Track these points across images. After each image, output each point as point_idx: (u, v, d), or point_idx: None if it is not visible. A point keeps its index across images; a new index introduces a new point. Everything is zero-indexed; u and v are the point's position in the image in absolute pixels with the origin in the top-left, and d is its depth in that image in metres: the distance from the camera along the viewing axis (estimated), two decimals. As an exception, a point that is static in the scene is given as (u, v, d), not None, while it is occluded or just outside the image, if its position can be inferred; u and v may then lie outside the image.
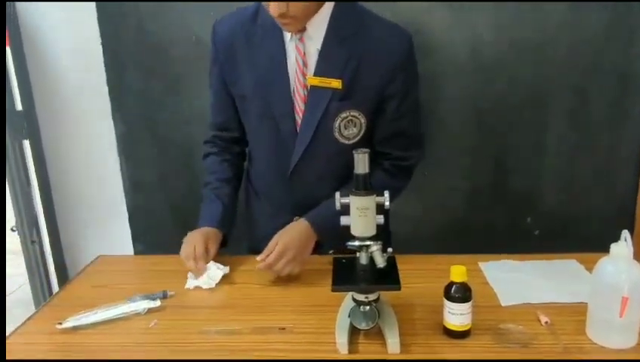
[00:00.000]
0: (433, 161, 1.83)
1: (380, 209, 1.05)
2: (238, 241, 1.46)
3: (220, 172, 1.43)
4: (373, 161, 1.34)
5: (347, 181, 1.34)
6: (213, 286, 1.29)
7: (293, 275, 1.29)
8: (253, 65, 1.31)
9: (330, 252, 1.35)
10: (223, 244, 1.39)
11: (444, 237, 1.90)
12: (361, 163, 1.04)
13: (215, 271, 1.30)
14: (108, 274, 1.41)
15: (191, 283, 1.29)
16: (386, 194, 1.06)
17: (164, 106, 1.85)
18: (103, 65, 1.83)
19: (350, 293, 1.10)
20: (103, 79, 1.85)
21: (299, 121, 1.30)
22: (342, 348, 1.05)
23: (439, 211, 1.90)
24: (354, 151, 1.06)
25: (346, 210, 1.07)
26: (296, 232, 1.29)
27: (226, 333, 1.10)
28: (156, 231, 1.98)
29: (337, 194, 1.06)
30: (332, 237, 1.26)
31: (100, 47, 1.81)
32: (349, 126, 1.29)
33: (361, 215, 1.04)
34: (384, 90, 1.29)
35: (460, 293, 1.07)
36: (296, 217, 1.37)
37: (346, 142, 1.32)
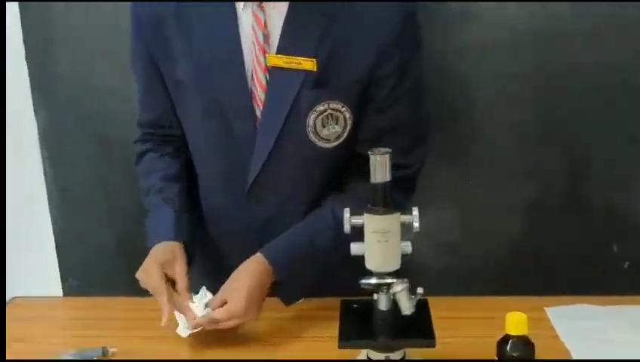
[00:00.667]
0: (479, 164, 1.83)
1: (405, 231, 1.06)
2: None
3: (162, 168, 1.45)
4: (356, 170, 1.33)
5: (325, 197, 1.35)
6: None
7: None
8: (191, 41, 1.31)
9: (300, 301, 1.37)
10: (189, 262, 1.38)
11: (495, 272, 1.89)
12: (380, 168, 1.05)
13: (199, 309, 1.30)
14: (25, 324, 1.41)
15: (183, 329, 1.30)
16: (415, 211, 1.07)
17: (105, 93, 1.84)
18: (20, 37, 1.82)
19: (364, 351, 1.10)
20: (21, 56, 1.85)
21: (259, 117, 1.31)
22: None
23: (487, 235, 1.90)
24: (369, 153, 1.06)
25: (357, 234, 1.07)
26: (253, 281, 1.29)
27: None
28: (94, 261, 1.97)
29: (347, 214, 1.07)
30: (301, 280, 1.31)
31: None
32: (329, 123, 1.30)
33: (380, 240, 1.05)
34: (373, 72, 1.29)
35: (519, 352, 1.07)
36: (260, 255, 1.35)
37: (326, 145, 1.33)
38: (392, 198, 1.11)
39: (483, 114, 1.78)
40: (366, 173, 1.36)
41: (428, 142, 1.42)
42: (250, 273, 1.29)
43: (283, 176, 1.35)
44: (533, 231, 1.89)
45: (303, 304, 1.40)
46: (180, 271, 1.31)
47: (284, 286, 1.31)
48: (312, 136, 1.31)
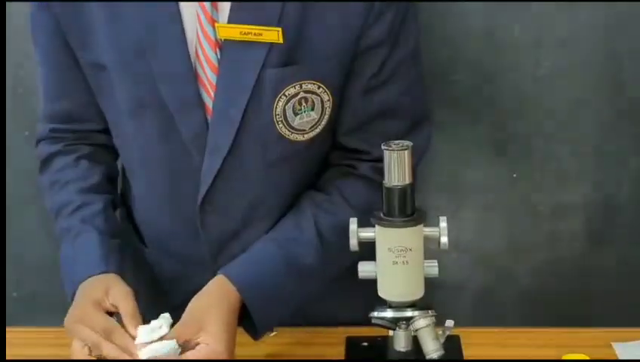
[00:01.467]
0: (520, 153, 1.82)
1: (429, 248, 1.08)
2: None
3: (80, 178, 1.41)
4: (337, 166, 1.36)
5: (305, 208, 1.34)
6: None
7: None
8: (115, 14, 1.28)
9: (273, 333, 1.37)
10: None
11: (547, 296, 1.89)
12: (398, 167, 1.04)
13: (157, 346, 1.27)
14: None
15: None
16: (444, 222, 1.07)
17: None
18: None
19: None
20: None
21: (211, 108, 1.29)
22: None
23: (537, 247, 1.89)
24: (383, 146, 1.04)
25: (365, 251, 1.08)
26: (221, 313, 1.26)
27: None
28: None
29: (353, 225, 1.06)
30: (274, 306, 1.29)
31: None
32: (302, 108, 1.28)
33: (397, 261, 1.04)
34: (359, 39, 1.28)
35: None
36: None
37: (299, 137, 1.31)
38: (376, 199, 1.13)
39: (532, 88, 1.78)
40: (352, 174, 1.36)
41: (429, 127, 1.41)
42: (218, 299, 1.26)
43: (244, 186, 1.34)
44: (599, 243, 1.89)
45: (276, 336, 1.39)
46: (121, 296, 1.26)
47: (254, 314, 1.28)
48: (280, 128, 1.29)
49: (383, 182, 1.04)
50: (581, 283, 1.89)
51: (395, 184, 1.04)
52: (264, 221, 1.37)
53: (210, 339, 1.21)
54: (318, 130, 1.31)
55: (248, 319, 1.29)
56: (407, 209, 1.05)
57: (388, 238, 1.04)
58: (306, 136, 1.30)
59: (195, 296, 1.27)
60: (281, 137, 1.29)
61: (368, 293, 1.13)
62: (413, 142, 1.24)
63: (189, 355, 1.21)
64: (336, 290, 1.30)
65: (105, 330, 1.21)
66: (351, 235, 1.06)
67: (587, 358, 1.10)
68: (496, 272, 1.91)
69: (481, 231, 1.88)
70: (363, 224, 1.08)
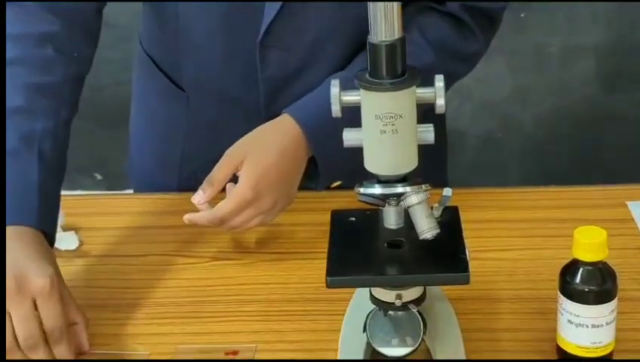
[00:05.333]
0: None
1: (424, 113, 0.98)
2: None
3: (29, 69, 1.19)
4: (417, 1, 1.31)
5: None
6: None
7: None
8: None
9: (335, 184, 1.35)
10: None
11: (558, 146, 1.85)
12: (384, 18, 0.92)
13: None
14: None
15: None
16: (439, 81, 0.95)
17: None
18: None
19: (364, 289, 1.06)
20: None
21: None
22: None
23: (547, 90, 1.86)
24: None
25: (352, 117, 0.98)
26: (269, 148, 1.24)
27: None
28: None
29: (335, 88, 0.96)
30: (340, 155, 1.18)
31: None
32: None
33: (385, 130, 0.94)
34: None
35: (594, 285, 1.02)
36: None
37: None
38: (468, 45, 1.19)
39: None
40: (437, 11, 1.31)
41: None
42: (267, 133, 1.25)
43: (308, 22, 1.30)
44: (612, 89, 1.85)
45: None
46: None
47: (318, 157, 1.27)
48: None
49: (368, 37, 0.94)
50: (592, 134, 1.85)
51: (383, 39, 0.92)
52: (325, 65, 1.33)
53: (243, 177, 1.19)
54: None
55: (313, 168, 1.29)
56: (397, 68, 0.93)
57: (374, 104, 0.94)
58: None
59: (246, 137, 1.26)
60: None
61: None
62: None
63: (218, 206, 1.19)
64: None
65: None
66: (332, 100, 0.96)
67: (605, 234, 1.00)
68: (500, 120, 1.87)
69: (485, 75, 1.82)
70: (348, 86, 0.97)
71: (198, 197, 1.21)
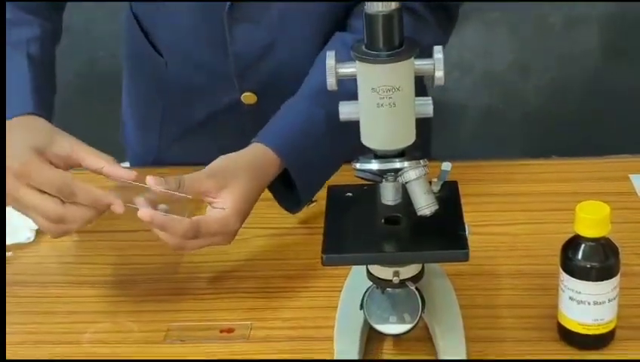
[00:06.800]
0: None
1: (421, 86, 1.01)
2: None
3: None
4: None
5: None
6: None
7: None
8: None
9: (313, 204, 1.31)
10: None
11: (559, 119, 1.82)
12: None
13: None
14: None
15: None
16: (438, 52, 0.95)
17: None
18: None
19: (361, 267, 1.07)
20: None
21: None
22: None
23: (539, 63, 1.84)
24: None
25: (349, 90, 0.97)
26: (254, 183, 1.19)
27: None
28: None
29: (330, 60, 0.95)
30: (315, 171, 1.24)
31: None
32: None
33: (382, 103, 0.93)
34: None
35: (597, 261, 1.02)
36: (247, 94, 1.35)
37: None
38: (429, 37, 1.10)
39: None
40: None
41: None
42: (252, 164, 1.18)
43: None
44: (614, 60, 1.82)
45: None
46: (73, 144, 1.12)
47: (297, 181, 1.22)
48: None
49: (364, 7, 0.93)
50: (594, 105, 1.83)
51: (379, 10, 0.91)
52: (297, 42, 1.34)
53: (230, 204, 1.13)
54: None
55: (284, 189, 1.24)
56: (394, 40, 0.92)
57: (371, 76, 0.93)
58: None
59: (226, 156, 1.20)
60: None
61: None
62: None
63: (202, 219, 1.12)
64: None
65: (61, 188, 1.07)
66: (328, 72, 0.95)
67: (608, 209, 1.00)
68: (501, 92, 1.86)
69: (486, 47, 1.84)
70: (343, 58, 0.96)
71: (156, 182, 1.11)
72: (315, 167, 1.24)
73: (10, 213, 1.15)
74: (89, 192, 1.06)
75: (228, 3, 1.30)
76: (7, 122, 1.14)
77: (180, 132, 1.47)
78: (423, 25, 1.31)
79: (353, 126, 1.22)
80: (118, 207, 1.06)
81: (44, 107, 1.20)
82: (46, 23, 1.31)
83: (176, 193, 1.09)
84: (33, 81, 1.21)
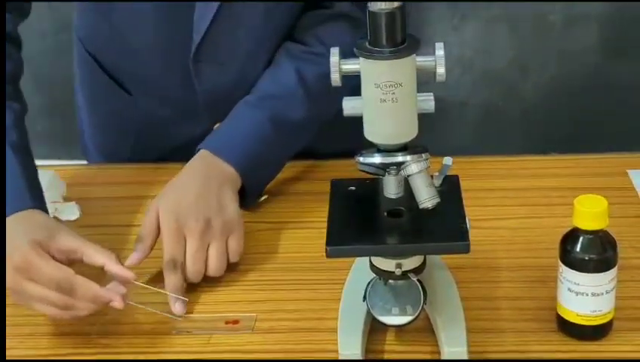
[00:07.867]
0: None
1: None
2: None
3: None
4: (313, 10, 1.32)
5: (282, 62, 1.32)
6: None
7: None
8: None
9: (263, 198, 1.34)
10: None
11: (559, 115, 1.82)
12: None
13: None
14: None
15: None
16: (440, 49, 0.95)
17: None
18: None
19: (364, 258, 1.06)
20: None
21: None
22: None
23: (538, 61, 1.81)
24: None
25: (352, 86, 0.98)
26: (178, 179, 1.23)
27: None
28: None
29: (334, 56, 0.95)
30: (262, 171, 1.28)
31: None
32: None
33: (385, 98, 0.94)
34: None
35: (595, 253, 1.02)
36: (219, 124, 1.33)
37: None
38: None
39: None
40: (331, 17, 1.32)
41: None
42: (201, 174, 1.22)
43: (239, 36, 1.31)
44: (613, 58, 1.83)
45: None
46: (77, 240, 1.11)
47: (246, 183, 1.26)
48: None
49: (368, 5, 0.94)
50: (593, 102, 1.83)
51: (382, 7, 0.92)
52: (263, 74, 1.34)
53: (159, 210, 1.18)
54: None
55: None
56: (397, 37, 0.93)
57: (374, 72, 0.93)
58: None
59: (179, 174, 1.24)
60: None
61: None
62: None
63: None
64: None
65: (60, 283, 1.06)
66: (332, 68, 0.96)
67: (606, 203, 1.00)
68: (501, 90, 1.85)
69: (486, 44, 1.84)
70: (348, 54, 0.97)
71: (134, 259, 1.15)
72: (262, 166, 1.27)
73: None
74: (89, 289, 1.05)
75: (193, 48, 1.30)
76: (7, 218, 1.11)
77: (155, 156, 1.46)
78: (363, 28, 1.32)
79: (301, 127, 1.29)
80: (118, 304, 1.06)
81: (40, 197, 1.17)
82: (14, 104, 1.24)
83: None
84: (25, 175, 1.17)
